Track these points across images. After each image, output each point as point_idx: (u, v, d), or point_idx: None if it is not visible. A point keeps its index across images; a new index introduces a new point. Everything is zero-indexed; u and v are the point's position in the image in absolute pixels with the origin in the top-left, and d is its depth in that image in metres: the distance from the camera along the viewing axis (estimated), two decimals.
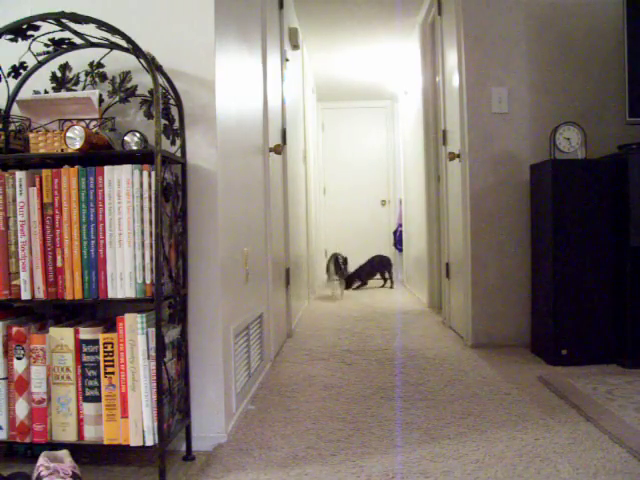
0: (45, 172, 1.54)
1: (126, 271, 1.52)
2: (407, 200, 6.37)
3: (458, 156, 3.37)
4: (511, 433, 1.86)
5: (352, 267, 6.33)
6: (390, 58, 5.88)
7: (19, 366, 1.56)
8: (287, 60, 3.84)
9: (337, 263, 5.69)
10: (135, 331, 1.51)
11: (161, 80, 1.63)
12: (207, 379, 1.80)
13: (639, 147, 2.65)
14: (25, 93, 1.73)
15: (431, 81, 4.60)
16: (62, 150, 1.59)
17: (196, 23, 1.79)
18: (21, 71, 1.73)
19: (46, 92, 1.75)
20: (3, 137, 1.63)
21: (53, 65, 1.74)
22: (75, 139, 1.51)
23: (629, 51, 2.71)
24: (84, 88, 1.74)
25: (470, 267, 3.20)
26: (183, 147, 1.74)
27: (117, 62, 1.73)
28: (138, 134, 1.60)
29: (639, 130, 2.89)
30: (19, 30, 1.60)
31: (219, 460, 1.70)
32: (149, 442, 1.52)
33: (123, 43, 1.55)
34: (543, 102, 3.17)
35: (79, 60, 1.74)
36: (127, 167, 1.52)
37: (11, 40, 1.62)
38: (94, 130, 1.61)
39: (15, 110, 1.71)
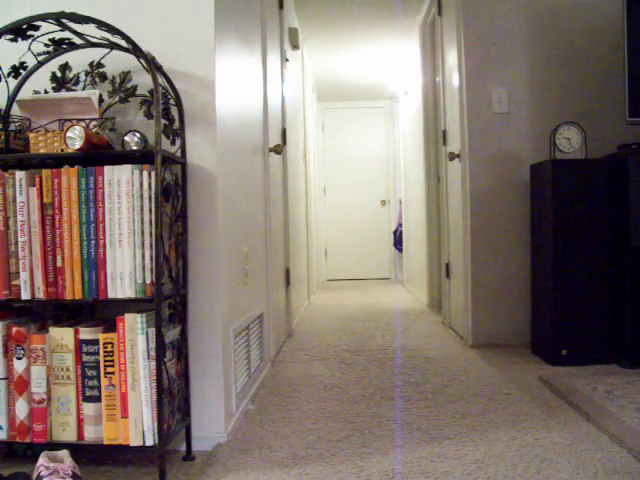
0: (45, 172, 1.54)
1: (126, 271, 1.52)
2: (407, 200, 6.36)
3: (458, 156, 3.37)
4: (511, 433, 1.86)
5: (352, 268, 6.21)
6: (390, 58, 5.88)
7: (19, 366, 1.56)
8: (287, 60, 3.83)
9: None
10: (135, 331, 1.51)
11: (161, 80, 1.63)
12: (207, 379, 1.80)
13: (639, 147, 2.65)
14: (25, 93, 1.73)
15: (431, 81, 4.60)
16: (62, 150, 1.59)
17: (196, 23, 1.79)
18: (21, 71, 1.73)
19: (46, 92, 1.75)
20: (3, 137, 1.63)
21: (53, 65, 1.74)
22: (75, 139, 1.51)
23: (629, 51, 2.71)
24: (84, 88, 1.74)
25: (470, 267, 3.20)
26: (183, 147, 1.74)
27: (117, 62, 1.73)
28: (138, 134, 1.60)
29: (639, 130, 2.88)
30: (19, 30, 1.60)
31: (219, 460, 1.70)
32: (149, 442, 1.52)
33: (123, 43, 1.55)
34: (543, 102, 3.17)
35: (79, 60, 1.74)
36: (127, 167, 1.52)
37: (11, 40, 1.62)
38: (94, 130, 1.61)
39: (15, 110, 1.71)
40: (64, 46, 1.71)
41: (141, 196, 1.51)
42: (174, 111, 1.72)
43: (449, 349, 3.14)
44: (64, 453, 1.48)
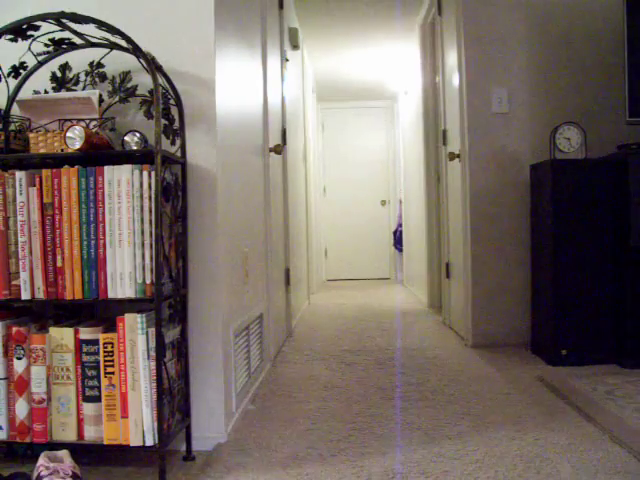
0: (45, 172, 1.54)
1: (126, 271, 1.52)
2: (407, 200, 6.36)
3: (458, 156, 3.37)
4: (511, 433, 1.86)
5: (352, 268, 6.20)
6: (390, 58, 5.88)
7: (19, 366, 1.56)
8: (287, 60, 3.83)
9: None
10: (135, 331, 1.51)
11: (161, 80, 1.63)
12: (207, 379, 1.80)
13: (639, 147, 2.65)
14: (25, 93, 1.73)
15: (431, 81, 4.60)
16: (62, 150, 1.59)
17: (196, 23, 1.79)
18: (21, 71, 1.73)
19: (46, 92, 1.75)
20: (3, 137, 1.63)
21: (53, 65, 1.74)
22: (75, 139, 1.51)
23: (629, 51, 2.71)
24: (84, 88, 1.74)
25: (470, 267, 3.20)
26: (183, 147, 1.74)
27: (117, 62, 1.73)
28: (138, 134, 1.60)
29: (639, 130, 2.88)
30: (19, 30, 1.59)
31: (219, 460, 1.70)
32: (149, 442, 1.52)
33: (123, 43, 1.55)
34: (543, 102, 3.17)
35: (79, 60, 1.74)
36: (127, 167, 1.52)
37: (11, 40, 1.62)
38: (94, 130, 1.61)
39: (15, 110, 1.71)
40: (64, 46, 1.71)
41: (141, 196, 1.51)
42: (174, 111, 1.72)
43: (449, 349, 3.14)
44: (64, 453, 1.48)
